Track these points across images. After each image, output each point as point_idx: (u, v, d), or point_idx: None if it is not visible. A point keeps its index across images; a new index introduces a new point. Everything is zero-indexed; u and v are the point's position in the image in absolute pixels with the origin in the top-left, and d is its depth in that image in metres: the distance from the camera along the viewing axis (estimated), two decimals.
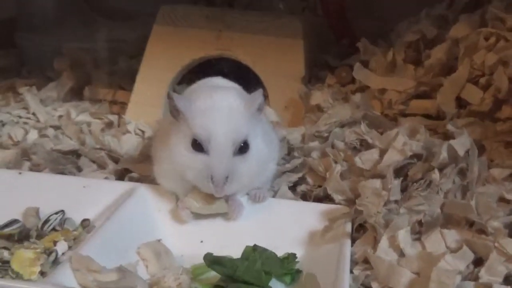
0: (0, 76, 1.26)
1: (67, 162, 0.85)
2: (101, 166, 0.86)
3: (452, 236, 0.60)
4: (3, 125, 1.01)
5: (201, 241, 0.70)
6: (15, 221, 0.70)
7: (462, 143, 0.66)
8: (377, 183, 0.66)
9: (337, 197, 0.71)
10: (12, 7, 1.52)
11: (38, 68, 1.30)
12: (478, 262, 0.59)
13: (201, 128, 0.65)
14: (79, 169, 0.85)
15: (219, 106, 0.66)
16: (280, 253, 0.66)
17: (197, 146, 0.65)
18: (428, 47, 0.91)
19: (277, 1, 1.54)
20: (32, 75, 1.28)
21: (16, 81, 1.20)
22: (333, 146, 0.78)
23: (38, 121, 1.03)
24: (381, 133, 0.76)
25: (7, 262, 0.62)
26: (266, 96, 0.98)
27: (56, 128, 0.99)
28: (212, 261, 0.61)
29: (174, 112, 0.68)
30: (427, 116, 0.85)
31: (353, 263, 0.62)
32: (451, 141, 0.66)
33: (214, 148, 0.64)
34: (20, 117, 1.04)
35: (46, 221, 0.70)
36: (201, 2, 1.55)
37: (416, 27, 0.95)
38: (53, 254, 0.63)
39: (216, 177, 0.64)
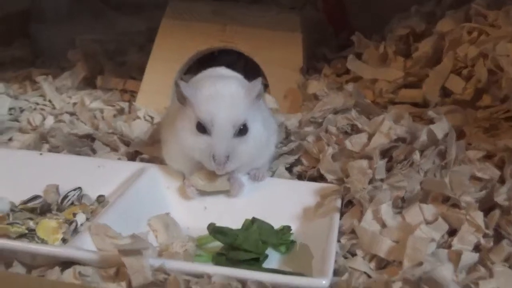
0: (16, 66, 1.33)
1: (83, 145, 0.92)
2: (114, 149, 0.93)
3: (429, 209, 0.67)
4: (22, 111, 1.09)
5: (206, 215, 0.77)
6: (37, 197, 0.77)
7: (441, 128, 0.73)
8: (364, 163, 0.73)
9: (329, 177, 0.78)
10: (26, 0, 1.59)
11: (52, 59, 1.37)
12: (452, 232, 0.66)
13: (205, 113, 0.72)
14: (94, 151, 0.92)
15: (221, 93, 0.74)
16: (277, 226, 0.73)
17: (201, 128, 0.73)
18: (417, 41, 0.98)
19: None
20: (47, 65, 1.35)
21: (32, 70, 1.26)
22: (326, 131, 0.85)
23: (54, 107, 1.10)
24: (371, 119, 0.83)
25: (33, 230, 0.69)
26: (267, 85, 1.05)
27: (71, 114, 1.06)
28: (214, 230, 0.69)
29: (181, 99, 0.75)
30: (415, 104, 0.92)
31: (341, 233, 0.68)
32: (431, 126, 0.73)
33: (216, 130, 0.72)
34: (37, 103, 1.11)
35: (65, 197, 0.77)
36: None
37: (406, 22, 1.02)
38: (74, 224, 0.70)
39: (218, 156, 0.71)
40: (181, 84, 0.75)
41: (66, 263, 0.61)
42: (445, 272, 0.54)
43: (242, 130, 0.73)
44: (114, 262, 0.59)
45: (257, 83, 0.76)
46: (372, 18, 1.27)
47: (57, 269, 0.60)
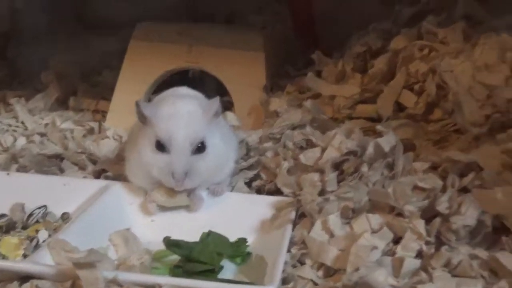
0: None
1: (51, 164, 0.95)
2: (82, 168, 0.96)
3: (375, 219, 0.70)
4: None
5: (167, 231, 0.79)
6: (3, 215, 0.80)
7: (388, 141, 0.77)
8: (315, 176, 0.76)
9: (285, 190, 0.81)
10: (5, 22, 1.63)
11: (28, 79, 1.40)
12: (398, 240, 0.69)
13: (163, 131, 0.75)
14: (62, 171, 0.95)
15: (180, 112, 0.77)
16: (235, 238, 0.75)
17: (160, 146, 0.76)
18: (373, 58, 1.02)
19: (252, 16, 1.65)
20: (23, 86, 1.37)
21: (7, 92, 1.29)
22: (284, 146, 0.88)
23: (26, 129, 1.13)
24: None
25: None
26: (231, 103, 1.09)
27: (42, 135, 1.09)
28: (170, 243, 0.72)
29: (141, 118, 0.78)
30: (371, 119, 0.96)
31: (293, 244, 0.71)
32: (378, 139, 0.76)
33: (174, 148, 0.75)
34: (10, 125, 1.14)
35: (31, 214, 0.80)
36: (183, 16, 1.67)
37: (364, 40, 1.06)
38: (35, 240, 0.73)
39: (176, 173, 0.75)
40: (141, 103, 0.78)
41: (25, 278, 0.63)
42: (379, 276, 0.57)
43: (200, 148, 0.76)
44: (70, 275, 0.62)
45: (215, 102, 0.80)
46: (340, 35, 1.31)
47: (15, 283, 0.62)
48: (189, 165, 0.75)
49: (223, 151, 0.80)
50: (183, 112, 0.77)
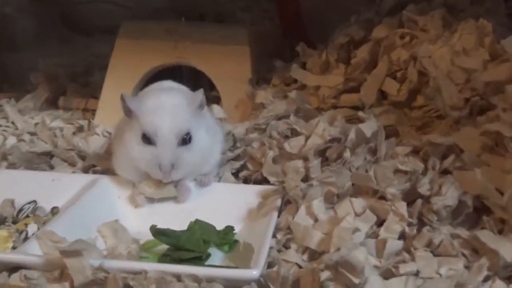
0: None
1: (41, 161, 0.96)
2: (72, 164, 0.97)
3: (359, 203, 0.71)
4: None
5: (155, 221, 0.80)
6: None
7: (370, 127, 0.78)
8: (299, 163, 0.77)
9: (271, 179, 0.82)
10: None
11: (19, 83, 1.41)
12: (381, 223, 0.70)
13: (149, 124, 0.77)
14: (52, 167, 0.96)
15: (164, 104, 0.78)
16: (222, 227, 0.77)
17: (146, 139, 0.77)
18: (356, 48, 1.03)
19: (241, 14, 1.67)
20: (13, 89, 1.39)
21: None
22: (270, 136, 0.90)
23: (16, 128, 1.14)
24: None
25: None
26: (218, 97, 1.10)
27: (32, 134, 1.09)
28: (157, 232, 0.73)
29: (127, 112, 0.79)
30: (355, 108, 0.97)
31: (278, 230, 0.73)
32: (360, 125, 0.78)
33: (160, 141, 0.76)
34: (0, 125, 1.15)
35: (20, 210, 0.81)
36: (171, 17, 1.68)
37: (347, 31, 1.07)
38: (24, 233, 0.74)
39: (163, 165, 0.76)
40: (126, 97, 0.79)
41: (15, 269, 0.64)
42: (359, 255, 0.58)
43: (186, 139, 0.78)
44: (58, 264, 0.63)
45: (199, 94, 0.81)
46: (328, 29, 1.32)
47: (4, 274, 0.63)
48: (175, 157, 0.76)
49: (208, 142, 0.82)
50: (168, 105, 0.78)
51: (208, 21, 1.64)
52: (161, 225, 0.76)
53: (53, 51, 1.57)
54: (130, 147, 0.79)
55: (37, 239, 0.67)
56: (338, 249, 0.61)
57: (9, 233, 0.73)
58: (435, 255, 0.65)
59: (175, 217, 0.79)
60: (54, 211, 0.82)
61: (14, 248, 0.72)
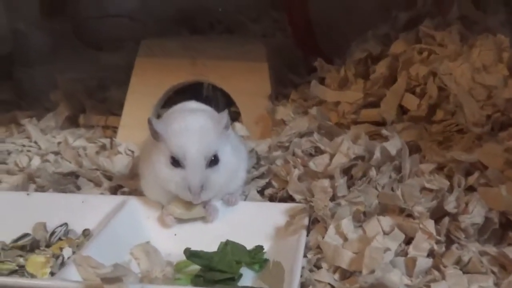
0: (1, 108, 1.39)
1: (68, 182, 0.98)
2: (97, 184, 0.99)
3: (386, 221, 0.73)
4: (9, 153, 1.14)
5: (185, 241, 0.82)
6: (26, 235, 0.82)
7: (394, 145, 0.80)
8: (325, 182, 0.79)
9: (297, 197, 0.84)
10: (9, 43, 1.66)
11: (36, 100, 1.43)
12: (409, 241, 0.72)
13: (177, 147, 0.78)
14: (78, 188, 0.98)
15: (191, 127, 0.79)
16: (251, 246, 0.78)
17: (175, 162, 0.78)
18: (374, 63, 1.05)
19: (251, 25, 1.68)
20: (31, 107, 1.40)
21: (17, 113, 1.32)
22: (293, 154, 0.91)
23: (40, 148, 1.16)
24: (332, 140, 0.89)
25: (23, 266, 0.75)
26: (238, 113, 1.12)
27: (56, 153, 1.11)
28: (191, 254, 0.74)
29: (154, 135, 0.81)
30: (376, 123, 0.99)
31: (308, 249, 0.74)
32: (384, 143, 0.79)
33: (189, 164, 0.77)
34: (24, 145, 1.17)
35: (53, 233, 0.82)
36: (183, 28, 1.70)
37: (364, 46, 1.09)
38: (60, 258, 0.76)
39: (193, 187, 0.77)
40: (153, 121, 0.81)
41: None
42: (394, 277, 0.60)
43: (214, 161, 0.79)
44: None
45: (224, 115, 0.82)
46: (339, 40, 1.34)
47: None
48: (204, 179, 0.78)
49: (235, 162, 0.83)
50: (195, 127, 0.80)
51: (218, 32, 1.66)
52: (190, 245, 0.77)
53: (67, 66, 1.58)
54: (159, 170, 0.80)
55: (75, 265, 0.68)
56: (372, 271, 0.62)
57: (46, 258, 0.75)
58: (464, 273, 0.66)
59: (203, 237, 0.81)
60: (86, 233, 0.83)
61: (51, 273, 0.73)
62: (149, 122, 0.81)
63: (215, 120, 0.82)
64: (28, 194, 0.90)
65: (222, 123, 0.81)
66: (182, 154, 0.77)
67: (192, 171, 0.77)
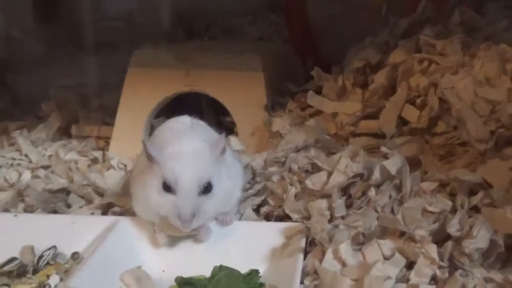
0: None
1: (57, 200, 0.95)
2: (89, 201, 0.96)
3: (387, 245, 0.70)
4: None
5: (178, 263, 0.79)
6: (14, 259, 0.79)
7: (394, 163, 0.76)
8: (323, 203, 0.76)
9: (294, 216, 0.81)
10: (3, 49, 1.63)
11: (29, 107, 1.40)
12: (411, 265, 0.69)
13: (169, 172, 0.74)
14: (69, 206, 0.95)
15: (185, 152, 0.76)
16: (246, 268, 0.75)
17: (167, 187, 0.75)
18: (373, 72, 1.01)
19: (248, 27, 1.65)
20: (24, 115, 1.38)
21: (8, 124, 1.29)
22: (290, 170, 0.88)
23: (30, 161, 1.13)
24: (334, 153, 0.86)
25: None
26: (233, 123, 1.09)
27: (47, 167, 1.08)
28: (183, 282, 0.72)
29: (149, 157, 0.77)
30: (375, 135, 0.96)
31: (305, 274, 0.71)
32: (384, 162, 0.76)
33: (180, 190, 0.74)
34: (14, 159, 1.14)
35: (41, 257, 0.79)
36: (178, 30, 1.67)
37: (362, 54, 1.05)
38: (47, 287, 0.73)
39: (183, 215, 0.73)
40: (147, 144, 0.77)
41: None
42: None
43: (207, 188, 0.75)
44: None
45: (221, 139, 0.79)
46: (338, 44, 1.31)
47: None
48: (196, 206, 0.74)
49: (230, 186, 0.80)
50: (189, 152, 0.76)
51: (214, 33, 1.63)
52: (182, 267, 0.75)
53: (62, 72, 1.55)
54: (150, 193, 0.77)
55: None
56: None
57: None
58: None
59: (196, 258, 0.78)
60: (75, 256, 0.81)
61: None
62: (143, 145, 0.77)
63: (211, 145, 0.78)
64: (15, 216, 0.87)
65: (218, 149, 0.77)
66: (174, 181, 0.74)
67: (183, 198, 0.74)
